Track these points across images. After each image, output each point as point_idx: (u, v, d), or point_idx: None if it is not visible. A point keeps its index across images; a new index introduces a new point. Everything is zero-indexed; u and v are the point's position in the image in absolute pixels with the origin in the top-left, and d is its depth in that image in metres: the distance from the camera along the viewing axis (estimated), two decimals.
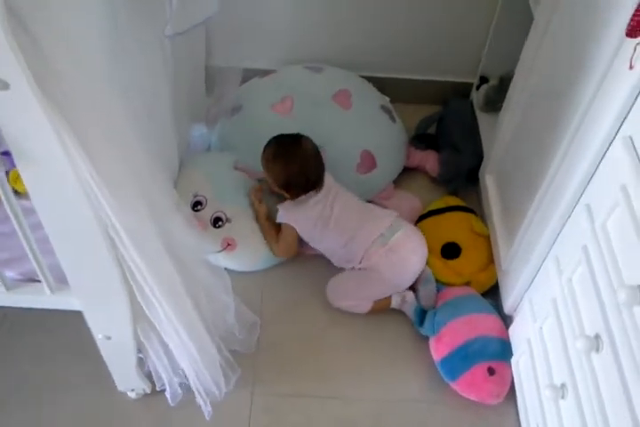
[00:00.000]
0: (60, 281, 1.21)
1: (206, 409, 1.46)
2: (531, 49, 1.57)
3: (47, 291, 1.23)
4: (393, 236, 1.68)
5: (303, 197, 1.72)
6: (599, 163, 1.17)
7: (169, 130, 1.55)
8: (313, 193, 1.72)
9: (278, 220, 1.77)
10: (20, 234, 1.10)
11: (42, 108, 0.85)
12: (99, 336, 1.30)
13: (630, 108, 1.07)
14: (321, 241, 1.76)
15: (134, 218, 1.06)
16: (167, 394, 1.47)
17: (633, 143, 1.04)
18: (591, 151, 1.17)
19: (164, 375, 1.44)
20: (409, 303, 1.70)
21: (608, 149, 1.14)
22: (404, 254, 1.68)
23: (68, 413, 1.52)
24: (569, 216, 1.29)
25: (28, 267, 1.19)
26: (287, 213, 1.75)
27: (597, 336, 1.08)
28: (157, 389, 1.49)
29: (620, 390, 0.99)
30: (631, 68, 1.03)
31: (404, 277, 1.71)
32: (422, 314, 1.67)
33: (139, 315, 1.29)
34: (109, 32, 1.04)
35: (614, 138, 1.11)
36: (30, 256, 1.13)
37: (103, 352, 1.37)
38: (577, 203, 1.25)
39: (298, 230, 1.75)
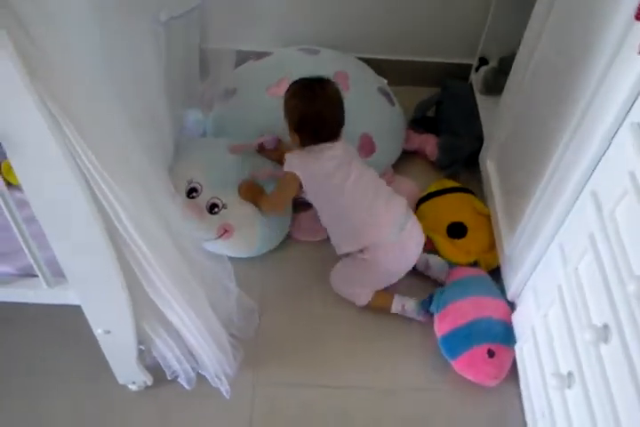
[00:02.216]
0: (58, 275, 1.19)
1: (224, 388, 1.48)
2: (535, 27, 1.52)
3: (44, 285, 1.20)
4: (400, 232, 1.62)
5: (315, 147, 1.62)
6: (606, 149, 1.14)
7: (163, 117, 1.51)
8: (326, 144, 1.61)
9: (286, 168, 1.63)
10: (13, 227, 1.07)
11: (30, 95, 0.82)
12: (98, 331, 1.28)
13: (638, 95, 1.04)
14: (325, 203, 1.67)
15: (133, 202, 1.04)
16: (181, 380, 1.48)
17: None
18: (597, 137, 1.15)
19: (173, 363, 1.44)
20: (409, 312, 1.68)
21: (615, 135, 1.11)
22: (407, 249, 1.66)
23: (68, 406, 1.50)
24: (574, 203, 1.27)
25: (25, 261, 1.16)
26: (296, 160, 1.61)
27: (606, 326, 1.07)
28: (168, 377, 1.49)
29: (630, 381, 0.98)
30: None
31: (402, 267, 1.69)
32: (429, 301, 1.65)
33: (142, 308, 1.27)
34: (96, 19, 1.00)
35: (621, 124, 1.09)
36: (25, 249, 1.10)
37: (103, 346, 1.35)
38: (582, 190, 1.23)
39: (304, 181, 1.62)
